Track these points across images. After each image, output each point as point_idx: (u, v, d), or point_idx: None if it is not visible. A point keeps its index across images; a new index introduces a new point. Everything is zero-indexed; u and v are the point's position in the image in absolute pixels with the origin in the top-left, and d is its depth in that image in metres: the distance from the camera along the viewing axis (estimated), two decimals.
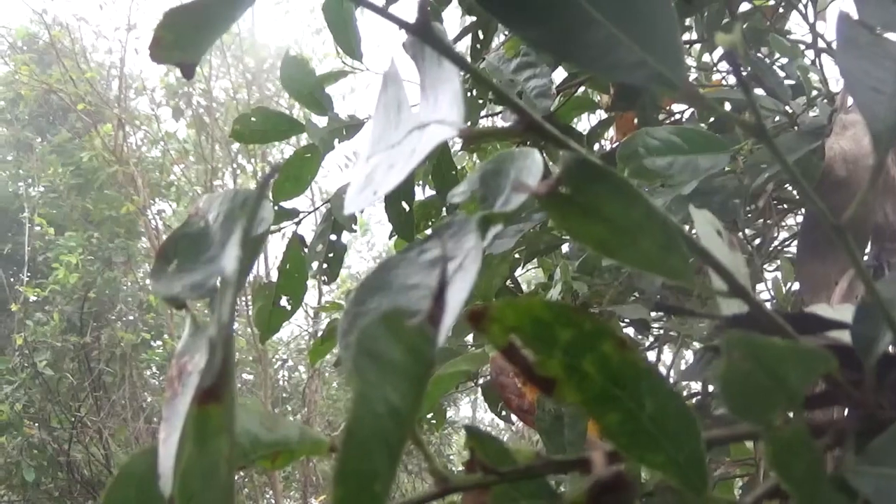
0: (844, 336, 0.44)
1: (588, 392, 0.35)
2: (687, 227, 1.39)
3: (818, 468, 0.35)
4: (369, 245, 8.68)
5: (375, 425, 0.29)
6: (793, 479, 0.34)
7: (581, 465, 0.38)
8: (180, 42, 0.44)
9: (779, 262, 1.88)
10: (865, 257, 0.83)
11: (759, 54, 1.68)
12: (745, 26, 1.74)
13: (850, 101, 1.05)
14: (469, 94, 1.73)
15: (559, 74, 1.74)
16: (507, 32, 1.71)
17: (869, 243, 0.83)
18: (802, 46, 1.64)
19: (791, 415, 0.35)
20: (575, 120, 2.19)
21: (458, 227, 0.42)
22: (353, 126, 1.73)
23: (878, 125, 0.41)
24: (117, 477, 0.43)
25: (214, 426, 0.28)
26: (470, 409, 8.91)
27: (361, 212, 1.92)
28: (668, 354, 2.19)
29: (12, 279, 7.30)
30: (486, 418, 8.70)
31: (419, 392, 0.31)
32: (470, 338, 1.88)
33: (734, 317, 0.43)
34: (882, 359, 0.42)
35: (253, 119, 1.76)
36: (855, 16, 0.46)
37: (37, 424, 6.51)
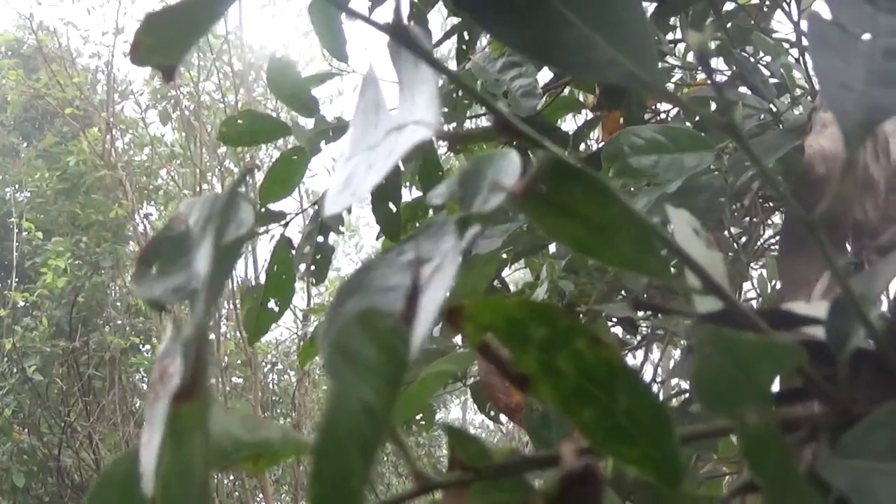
0: (819, 332, 0.45)
1: (563, 388, 0.36)
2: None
3: (789, 462, 0.35)
4: (357, 247, 8.67)
5: (350, 423, 0.29)
6: (764, 472, 0.34)
7: (557, 462, 0.38)
8: (161, 45, 0.45)
9: (765, 259, 1.89)
10: (847, 255, 0.83)
11: (743, 53, 1.69)
12: (729, 25, 1.75)
13: None
14: (455, 95, 1.74)
15: (545, 74, 1.74)
16: None
17: (849, 241, 0.84)
18: (787, 45, 1.64)
19: (764, 409, 0.35)
20: (560, 120, 2.19)
21: (436, 229, 0.42)
22: (339, 128, 1.73)
23: (847, 123, 0.41)
24: (100, 480, 0.43)
25: (188, 425, 0.28)
26: (460, 410, 8.92)
27: (349, 213, 1.92)
28: (657, 353, 2.19)
29: (0, 284, 7.28)
30: (477, 419, 8.70)
31: (393, 390, 0.31)
32: (459, 338, 1.89)
33: (709, 314, 0.43)
34: (855, 354, 0.42)
35: (239, 121, 1.76)
36: (828, 15, 0.47)
37: (26, 430, 6.50)
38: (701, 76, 2.02)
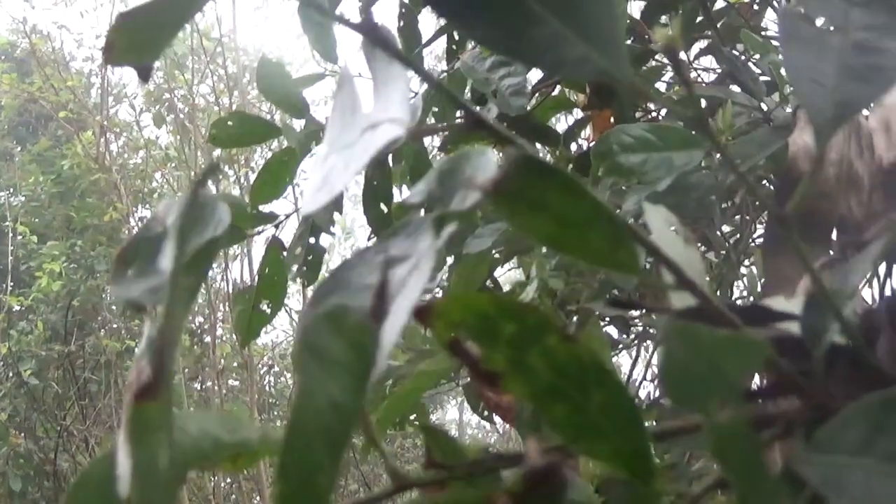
0: (796, 328, 0.45)
1: (534, 385, 0.36)
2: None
3: (758, 457, 0.35)
4: (353, 249, 8.67)
5: (317, 420, 0.29)
6: (733, 467, 0.34)
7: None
8: (134, 45, 0.45)
9: (754, 257, 1.89)
10: (831, 251, 0.83)
11: (734, 51, 1.69)
12: (720, 24, 1.75)
13: None
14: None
15: (536, 73, 1.74)
16: None
17: (834, 236, 0.84)
18: (776, 43, 1.64)
19: (733, 404, 0.35)
20: (555, 120, 2.20)
21: (413, 227, 0.43)
22: None
23: (819, 117, 0.41)
24: (77, 481, 0.43)
25: (152, 424, 0.28)
26: (457, 411, 8.92)
27: (341, 214, 1.92)
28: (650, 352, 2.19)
29: None
30: (474, 420, 8.70)
31: (361, 387, 0.31)
32: None
33: (683, 310, 0.43)
34: (830, 349, 0.42)
35: (230, 123, 1.76)
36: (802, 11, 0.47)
37: (23, 434, 6.49)
38: (692, 75, 2.02)
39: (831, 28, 0.45)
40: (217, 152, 6.87)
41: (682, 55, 2.02)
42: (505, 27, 0.40)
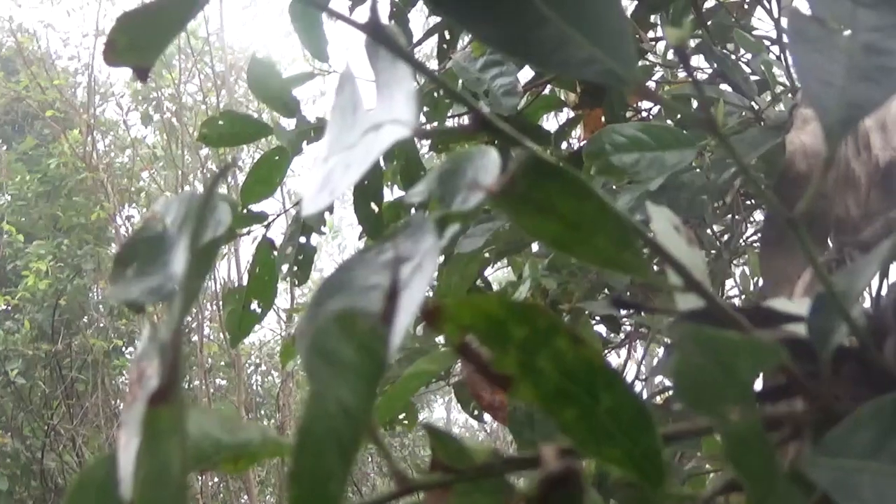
0: (801, 329, 0.44)
1: (544, 388, 0.35)
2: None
3: (772, 460, 0.35)
4: (340, 248, 8.67)
5: (328, 425, 0.29)
6: (747, 471, 0.34)
7: (538, 463, 0.38)
8: (134, 45, 0.44)
9: (746, 257, 1.89)
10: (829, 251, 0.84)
11: (724, 50, 1.69)
12: (710, 22, 1.75)
13: None
14: (436, 94, 1.74)
15: (527, 73, 1.74)
16: None
17: (830, 238, 0.84)
18: (767, 42, 1.64)
19: (746, 407, 0.35)
20: (543, 119, 2.19)
21: (415, 228, 0.42)
22: (321, 128, 1.73)
23: (828, 118, 0.41)
24: (77, 483, 0.42)
25: (165, 427, 0.28)
26: (444, 410, 8.93)
27: (331, 214, 1.92)
28: (640, 351, 2.20)
29: None
30: (461, 419, 8.71)
31: (372, 391, 0.31)
32: (442, 338, 1.88)
33: (690, 311, 0.43)
34: (838, 351, 0.42)
35: (220, 122, 1.75)
36: (808, 11, 0.47)
37: (9, 433, 6.47)
38: (682, 74, 2.02)
39: (839, 29, 0.44)
40: (204, 151, 6.87)
41: (672, 55, 2.02)
42: (511, 28, 0.39)
